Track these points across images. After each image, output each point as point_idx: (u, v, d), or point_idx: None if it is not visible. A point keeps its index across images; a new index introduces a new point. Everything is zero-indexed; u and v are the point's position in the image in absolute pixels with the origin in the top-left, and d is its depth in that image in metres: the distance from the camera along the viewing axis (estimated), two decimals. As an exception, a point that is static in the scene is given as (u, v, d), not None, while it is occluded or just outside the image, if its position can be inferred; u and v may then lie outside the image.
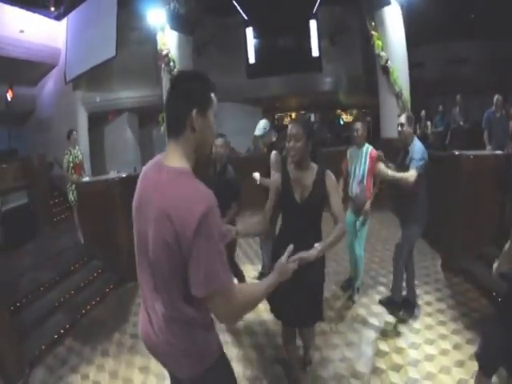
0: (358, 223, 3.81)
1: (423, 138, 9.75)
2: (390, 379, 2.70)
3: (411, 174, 3.08)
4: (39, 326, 3.65)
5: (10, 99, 8.13)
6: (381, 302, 3.78)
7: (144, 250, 1.27)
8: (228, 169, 3.63)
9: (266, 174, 3.81)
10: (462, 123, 8.91)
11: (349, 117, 16.63)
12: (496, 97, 6.60)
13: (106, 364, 3.20)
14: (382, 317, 3.55)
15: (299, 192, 2.23)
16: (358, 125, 3.70)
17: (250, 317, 3.71)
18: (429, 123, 9.82)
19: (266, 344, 3.29)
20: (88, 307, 4.14)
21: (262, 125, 4.01)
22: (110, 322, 3.83)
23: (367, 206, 3.70)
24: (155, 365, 2.90)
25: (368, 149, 3.70)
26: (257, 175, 3.81)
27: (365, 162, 3.67)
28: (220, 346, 1.40)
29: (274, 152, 3.71)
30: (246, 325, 3.59)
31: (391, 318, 3.51)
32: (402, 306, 3.57)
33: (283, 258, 1.48)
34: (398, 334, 3.24)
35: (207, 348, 1.33)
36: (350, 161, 3.82)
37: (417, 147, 3.23)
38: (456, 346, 2.99)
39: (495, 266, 2.00)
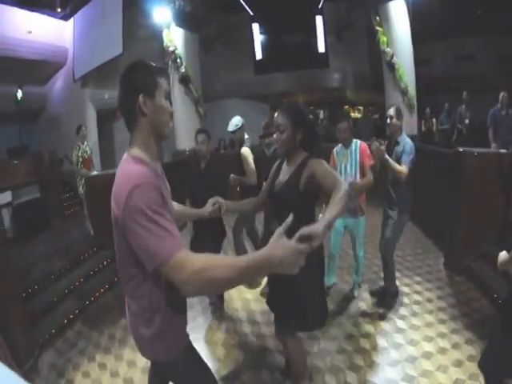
0: (352, 224, 3.67)
1: (428, 136, 9.68)
2: (386, 374, 2.71)
3: (403, 171, 3.14)
4: (50, 312, 3.81)
5: (19, 98, 8.36)
6: (372, 293, 3.86)
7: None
8: (214, 165, 3.58)
9: (241, 171, 3.94)
10: (467, 121, 8.66)
11: (356, 114, 16.50)
12: (502, 94, 6.44)
13: (112, 347, 3.33)
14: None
15: (279, 182, 2.14)
16: (344, 125, 3.54)
17: (252, 306, 3.83)
18: (434, 120, 9.69)
19: (267, 334, 3.30)
20: (97, 294, 4.29)
21: (234, 121, 4.11)
22: (117, 309, 3.95)
23: (359, 183, 3.44)
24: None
25: (357, 144, 3.57)
26: (232, 176, 3.87)
27: (355, 159, 3.52)
28: (186, 339, 1.53)
29: (244, 148, 3.94)
30: (249, 314, 3.68)
31: (392, 313, 3.51)
32: (387, 297, 3.65)
33: (280, 229, 1.12)
34: (397, 331, 3.24)
35: (166, 337, 1.41)
36: (337, 160, 3.68)
37: (407, 143, 3.26)
38: (455, 346, 2.97)
39: (503, 260, 1.94)
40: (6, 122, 8.74)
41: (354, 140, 3.58)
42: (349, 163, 3.57)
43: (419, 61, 8.49)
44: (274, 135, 2.10)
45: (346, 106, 16.33)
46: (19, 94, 8.39)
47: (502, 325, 1.93)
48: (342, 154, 3.64)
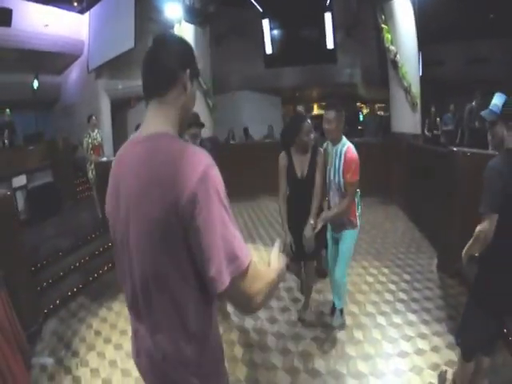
0: (338, 237, 3.10)
1: (431, 136, 9.56)
2: (357, 367, 2.73)
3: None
4: (56, 284, 4.20)
5: (36, 87, 8.79)
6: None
7: (127, 253, 1.02)
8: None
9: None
10: (477, 123, 8.15)
11: (367, 110, 16.46)
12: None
13: (109, 317, 3.70)
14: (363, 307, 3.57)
15: (300, 170, 3.05)
16: (331, 114, 2.82)
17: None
18: (438, 120, 9.58)
19: (268, 331, 3.29)
20: (100, 271, 4.68)
21: None
22: (117, 285, 4.20)
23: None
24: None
25: (344, 147, 2.85)
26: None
27: (339, 165, 2.86)
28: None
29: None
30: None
31: (373, 309, 3.50)
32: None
33: (277, 245, 1.17)
34: (376, 326, 3.22)
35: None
36: (326, 160, 3.04)
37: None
38: (434, 348, 2.86)
39: (465, 250, 2.01)
40: (23, 110, 9.21)
41: (344, 139, 2.91)
42: (332, 168, 2.94)
43: (431, 62, 8.40)
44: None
45: (359, 103, 16.35)
46: (35, 83, 8.82)
47: (473, 296, 2.06)
48: (329, 153, 3.01)
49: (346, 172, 2.80)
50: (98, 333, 3.43)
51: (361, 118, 15.79)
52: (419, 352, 2.84)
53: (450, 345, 2.84)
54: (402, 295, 3.73)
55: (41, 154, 7.56)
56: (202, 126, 3.36)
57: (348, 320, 3.34)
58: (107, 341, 3.30)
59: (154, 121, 1.04)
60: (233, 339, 3.19)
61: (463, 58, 11.38)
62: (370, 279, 4.14)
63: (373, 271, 4.34)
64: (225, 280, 0.86)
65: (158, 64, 1.05)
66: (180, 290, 0.95)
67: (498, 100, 2.03)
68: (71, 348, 3.23)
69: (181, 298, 0.95)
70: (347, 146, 2.84)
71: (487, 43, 10.87)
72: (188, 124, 2.95)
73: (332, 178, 2.94)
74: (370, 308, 3.54)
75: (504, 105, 1.97)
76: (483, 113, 2.13)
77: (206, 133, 8.58)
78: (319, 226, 2.89)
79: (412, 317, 3.32)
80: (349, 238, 3.02)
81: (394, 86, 8.16)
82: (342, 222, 2.99)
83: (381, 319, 3.34)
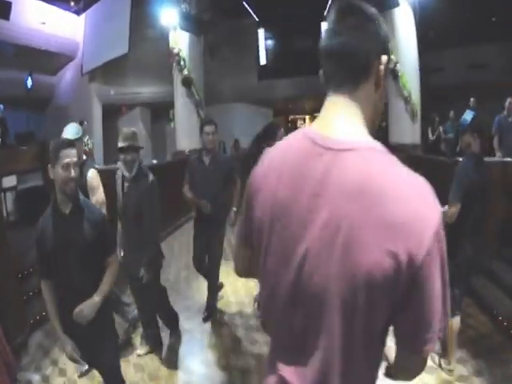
0: None
1: (436, 144, 9.44)
2: None
3: None
4: (42, 294, 4.10)
5: (29, 86, 8.69)
6: None
7: (297, 286, 0.78)
8: (221, 154, 3.71)
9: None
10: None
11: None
12: (508, 100, 6.01)
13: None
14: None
15: None
16: None
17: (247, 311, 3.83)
18: (441, 128, 9.38)
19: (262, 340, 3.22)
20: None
21: (71, 129, 2.86)
22: None
23: None
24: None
25: None
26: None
27: None
28: None
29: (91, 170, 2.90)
30: (244, 320, 3.67)
31: None
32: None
33: None
34: None
35: None
36: None
37: None
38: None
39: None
40: (15, 108, 9.06)
41: None
42: None
43: (430, 69, 8.28)
44: None
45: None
46: (29, 81, 8.70)
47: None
48: None
49: None
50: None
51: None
52: (428, 370, 2.58)
53: (460, 360, 2.74)
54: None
55: (32, 155, 7.45)
56: (137, 149, 2.74)
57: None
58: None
59: (346, 120, 0.79)
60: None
61: (463, 63, 11.13)
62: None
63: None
64: (435, 343, 0.76)
65: (346, 48, 0.78)
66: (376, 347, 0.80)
67: (467, 116, 2.87)
68: (58, 365, 3.04)
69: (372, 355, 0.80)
70: None
71: (488, 48, 10.56)
72: (119, 148, 2.66)
73: None
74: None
75: (472, 120, 2.71)
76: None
77: (197, 145, 8.57)
78: None
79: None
80: None
81: (393, 97, 8.13)
82: None
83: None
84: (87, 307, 1.86)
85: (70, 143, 1.93)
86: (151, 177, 2.80)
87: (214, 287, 3.75)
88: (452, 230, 2.39)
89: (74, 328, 1.90)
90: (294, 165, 0.79)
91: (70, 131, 2.81)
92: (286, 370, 0.82)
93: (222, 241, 3.69)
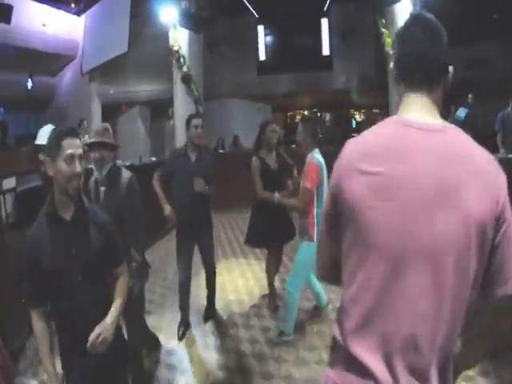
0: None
1: None
2: None
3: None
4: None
5: (29, 87, 8.69)
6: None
7: (411, 253, 0.85)
8: (208, 150, 3.55)
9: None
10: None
11: (362, 117, 16.42)
12: None
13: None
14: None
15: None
16: (301, 126, 3.01)
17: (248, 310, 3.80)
18: None
19: (262, 340, 3.21)
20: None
21: (46, 131, 2.75)
22: None
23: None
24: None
25: (311, 156, 2.92)
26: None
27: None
28: None
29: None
30: (244, 320, 3.60)
31: None
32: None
33: None
34: None
35: None
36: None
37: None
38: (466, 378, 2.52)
39: None
40: (16, 110, 9.08)
41: (314, 151, 2.94)
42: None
43: None
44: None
45: (352, 110, 16.29)
46: (29, 83, 8.71)
47: None
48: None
49: (305, 175, 2.87)
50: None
51: (354, 125, 15.93)
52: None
53: (482, 372, 2.59)
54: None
55: (31, 156, 7.43)
56: (112, 148, 2.48)
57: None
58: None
59: (427, 114, 0.94)
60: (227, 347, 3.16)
61: (463, 60, 11.09)
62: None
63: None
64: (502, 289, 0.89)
65: (425, 53, 0.94)
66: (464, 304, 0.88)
67: (461, 113, 2.73)
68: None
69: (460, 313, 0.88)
70: (309, 158, 2.89)
71: (488, 45, 10.45)
72: (89, 144, 2.37)
73: None
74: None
75: (465, 117, 2.59)
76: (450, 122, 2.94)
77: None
78: (275, 199, 3.21)
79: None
80: (304, 250, 2.97)
81: (394, 92, 7.92)
82: (302, 229, 3.02)
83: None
84: (103, 332, 1.50)
85: (74, 131, 1.60)
86: (127, 177, 2.40)
87: (214, 293, 3.67)
88: None
89: (85, 361, 1.55)
90: (396, 143, 0.90)
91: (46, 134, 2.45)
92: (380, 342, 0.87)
93: (213, 245, 3.57)
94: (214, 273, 3.60)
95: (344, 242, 0.94)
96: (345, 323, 0.93)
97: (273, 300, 3.72)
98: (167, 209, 3.18)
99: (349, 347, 0.90)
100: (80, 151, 1.53)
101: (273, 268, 3.69)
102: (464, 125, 2.59)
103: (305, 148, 2.95)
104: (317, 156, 2.90)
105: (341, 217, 0.94)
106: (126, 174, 2.41)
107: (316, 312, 3.56)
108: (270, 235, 3.46)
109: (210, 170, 3.36)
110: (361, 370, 0.87)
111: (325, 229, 1.04)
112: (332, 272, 1.04)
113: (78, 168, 1.50)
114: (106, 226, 1.65)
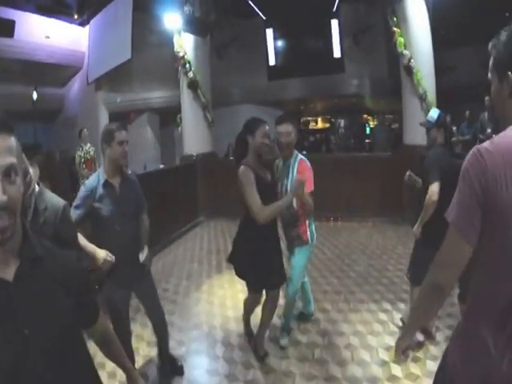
0: (291, 256, 3.12)
1: (446, 146, 9.11)
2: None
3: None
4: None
5: (35, 99, 8.79)
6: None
7: None
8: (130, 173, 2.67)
9: None
10: (489, 130, 7.66)
11: (375, 122, 15.90)
12: None
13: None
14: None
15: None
16: (288, 127, 2.87)
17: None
18: (454, 129, 9.08)
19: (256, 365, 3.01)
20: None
21: None
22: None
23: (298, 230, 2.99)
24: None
25: (296, 158, 2.92)
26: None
27: (292, 179, 2.81)
28: None
29: None
30: (241, 339, 3.42)
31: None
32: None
33: None
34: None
35: None
36: (279, 178, 2.98)
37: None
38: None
39: (419, 219, 2.96)
40: (23, 121, 9.15)
41: (296, 152, 2.96)
42: (289, 183, 2.86)
43: (442, 68, 8.00)
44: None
45: (365, 115, 15.79)
46: (34, 95, 8.81)
47: (425, 237, 2.94)
48: (281, 169, 3.01)
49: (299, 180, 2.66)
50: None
51: (367, 131, 15.47)
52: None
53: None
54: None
55: (38, 165, 7.42)
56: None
57: (357, 371, 2.81)
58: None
59: None
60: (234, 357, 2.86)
61: (476, 61, 10.85)
62: (383, 317, 3.60)
63: (386, 306, 3.80)
64: None
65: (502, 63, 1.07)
66: None
67: (433, 113, 3.06)
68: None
69: None
70: (299, 157, 2.94)
71: None
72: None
73: (284, 192, 2.89)
74: (384, 355, 2.96)
75: (438, 117, 2.98)
76: (422, 122, 3.28)
77: (205, 148, 8.40)
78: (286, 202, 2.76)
79: (434, 351, 2.95)
80: (299, 254, 3.03)
81: (407, 94, 7.69)
82: (291, 238, 3.06)
83: (396, 370, 2.74)
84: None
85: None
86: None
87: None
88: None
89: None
90: None
91: None
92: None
93: (156, 291, 2.78)
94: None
95: (485, 248, 1.01)
96: (496, 333, 0.99)
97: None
98: (105, 260, 2.34)
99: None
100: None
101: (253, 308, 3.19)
102: (437, 125, 2.82)
103: (290, 152, 2.96)
104: (303, 158, 2.97)
105: (485, 222, 0.98)
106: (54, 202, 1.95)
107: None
108: (268, 278, 2.81)
109: (141, 196, 2.60)
110: None
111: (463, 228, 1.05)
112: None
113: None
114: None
